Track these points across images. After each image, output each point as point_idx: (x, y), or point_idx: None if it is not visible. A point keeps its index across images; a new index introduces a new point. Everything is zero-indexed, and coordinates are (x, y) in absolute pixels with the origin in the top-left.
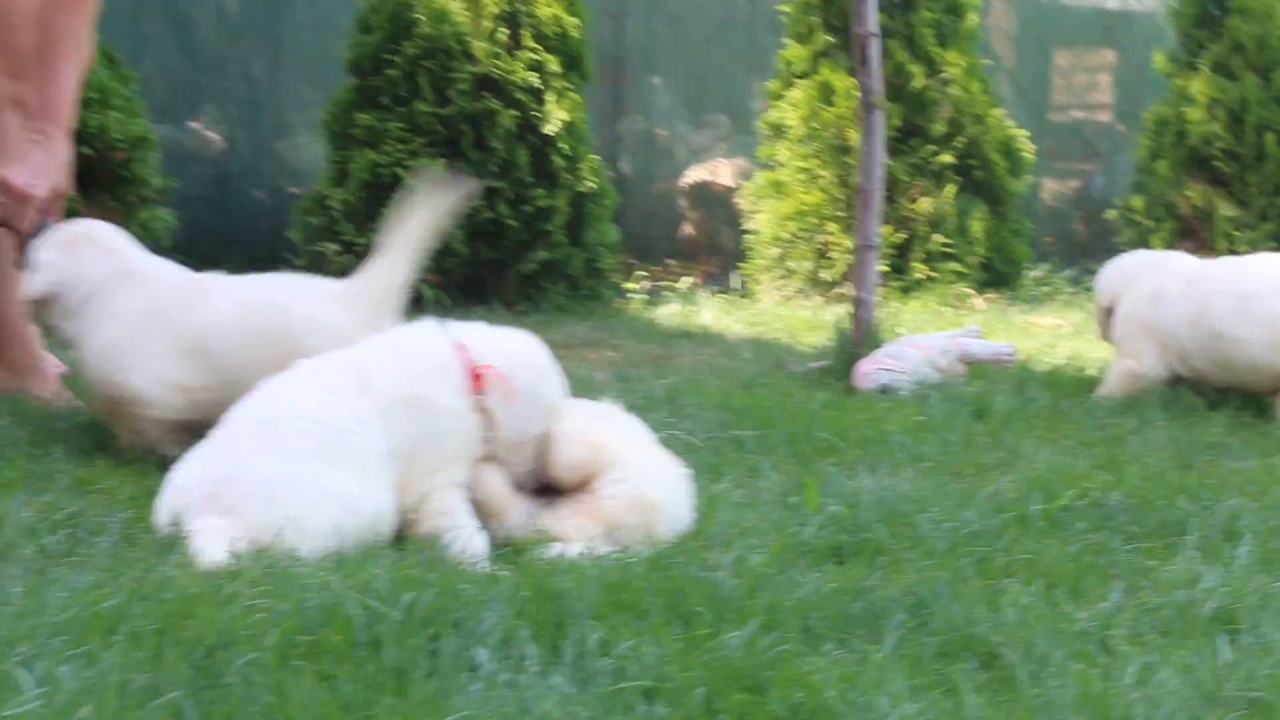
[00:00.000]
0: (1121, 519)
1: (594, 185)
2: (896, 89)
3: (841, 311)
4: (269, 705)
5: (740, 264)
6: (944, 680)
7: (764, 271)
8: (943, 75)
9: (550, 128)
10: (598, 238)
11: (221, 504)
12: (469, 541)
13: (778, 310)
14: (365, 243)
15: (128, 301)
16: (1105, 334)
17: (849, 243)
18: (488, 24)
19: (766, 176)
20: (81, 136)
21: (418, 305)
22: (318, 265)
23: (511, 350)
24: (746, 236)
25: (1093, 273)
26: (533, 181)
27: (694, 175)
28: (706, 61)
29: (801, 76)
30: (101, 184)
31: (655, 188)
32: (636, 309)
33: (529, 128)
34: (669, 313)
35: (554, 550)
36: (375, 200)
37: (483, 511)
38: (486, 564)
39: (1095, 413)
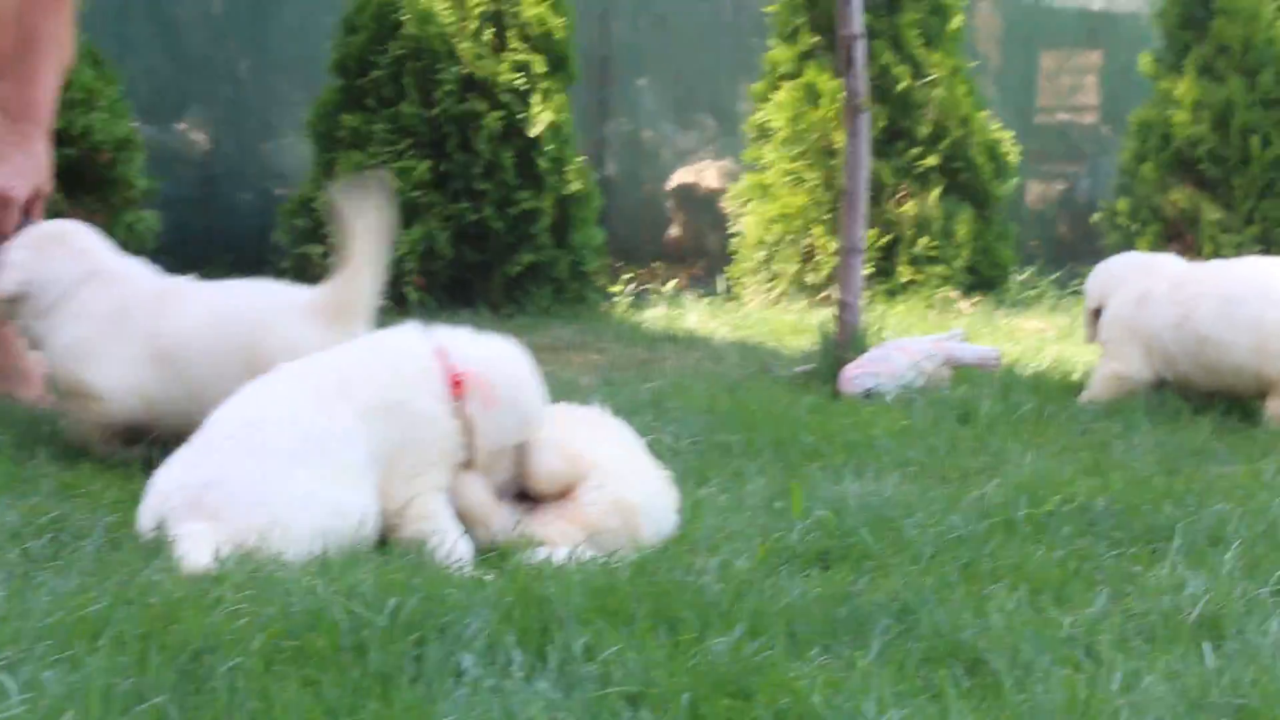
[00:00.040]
0: (1107, 524)
1: (579, 187)
2: (882, 91)
3: (827, 315)
4: (254, 710)
5: (726, 267)
6: (929, 686)
7: (749, 274)
8: (928, 77)
9: (536, 129)
10: (583, 240)
11: (206, 508)
12: (453, 546)
13: (763, 313)
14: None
15: (95, 301)
16: (1093, 337)
17: (834, 245)
18: (473, 25)
19: (752, 179)
20: (66, 138)
21: (402, 308)
22: (303, 268)
23: (492, 357)
24: (732, 239)
25: (1079, 276)
26: (518, 184)
27: (680, 177)
28: (692, 63)
29: (787, 78)
30: (86, 185)
31: (641, 190)
32: (622, 312)
33: (514, 129)
34: (654, 316)
35: (541, 553)
36: None
37: (466, 520)
38: (471, 569)
39: (1081, 417)
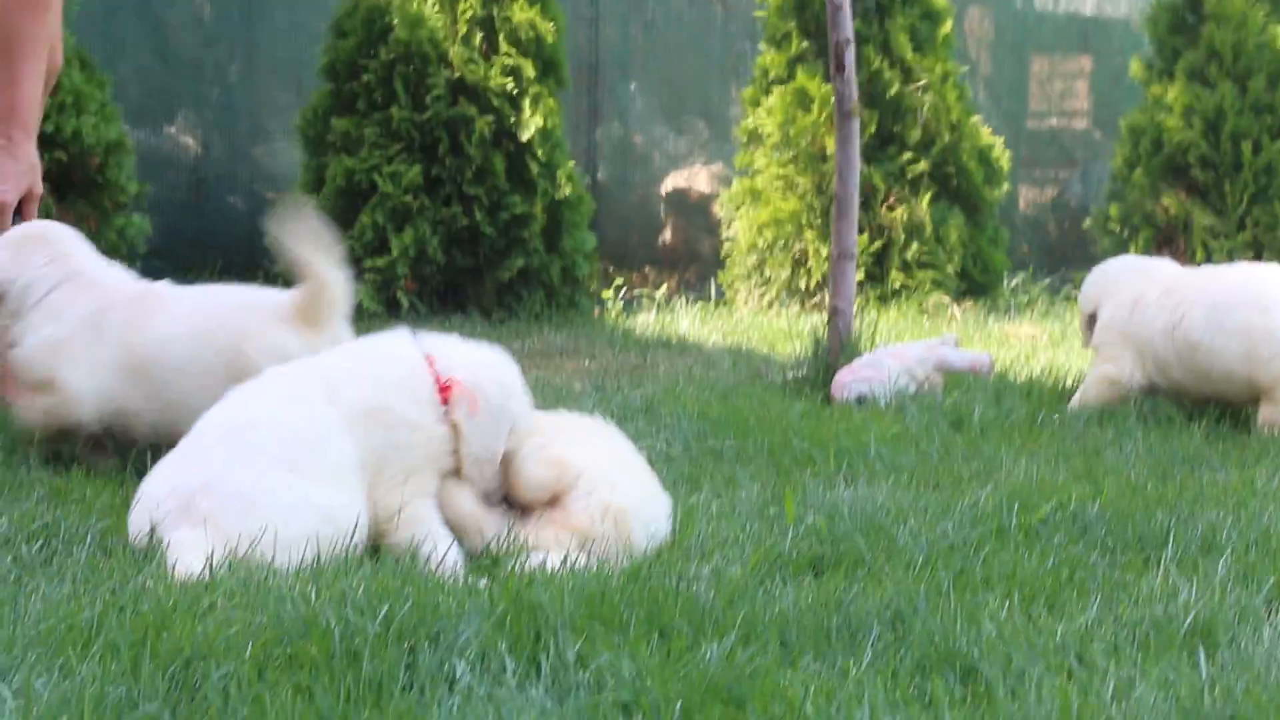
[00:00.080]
0: (1099, 531)
1: (570, 192)
2: (872, 96)
3: (819, 320)
4: (246, 718)
5: (718, 272)
6: (922, 694)
7: (741, 279)
8: (919, 82)
9: (526, 134)
10: (574, 245)
11: (197, 514)
12: (445, 552)
13: (755, 318)
14: (342, 249)
15: (71, 305)
16: (1089, 342)
17: (826, 251)
18: (463, 29)
19: (743, 184)
20: (56, 141)
21: (394, 312)
22: (294, 272)
23: (481, 365)
24: (724, 244)
25: (1070, 281)
26: (509, 188)
27: (671, 182)
28: (683, 67)
29: (778, 83)
30: (76, 189)
31: (632, 194)
32: (614, 317)
33: (505, 134)
34: (646, 321)
35: (535, 558)
36: (351, 206)
37: (458, 529)
38: (463, 575)
39: (1073, 424)
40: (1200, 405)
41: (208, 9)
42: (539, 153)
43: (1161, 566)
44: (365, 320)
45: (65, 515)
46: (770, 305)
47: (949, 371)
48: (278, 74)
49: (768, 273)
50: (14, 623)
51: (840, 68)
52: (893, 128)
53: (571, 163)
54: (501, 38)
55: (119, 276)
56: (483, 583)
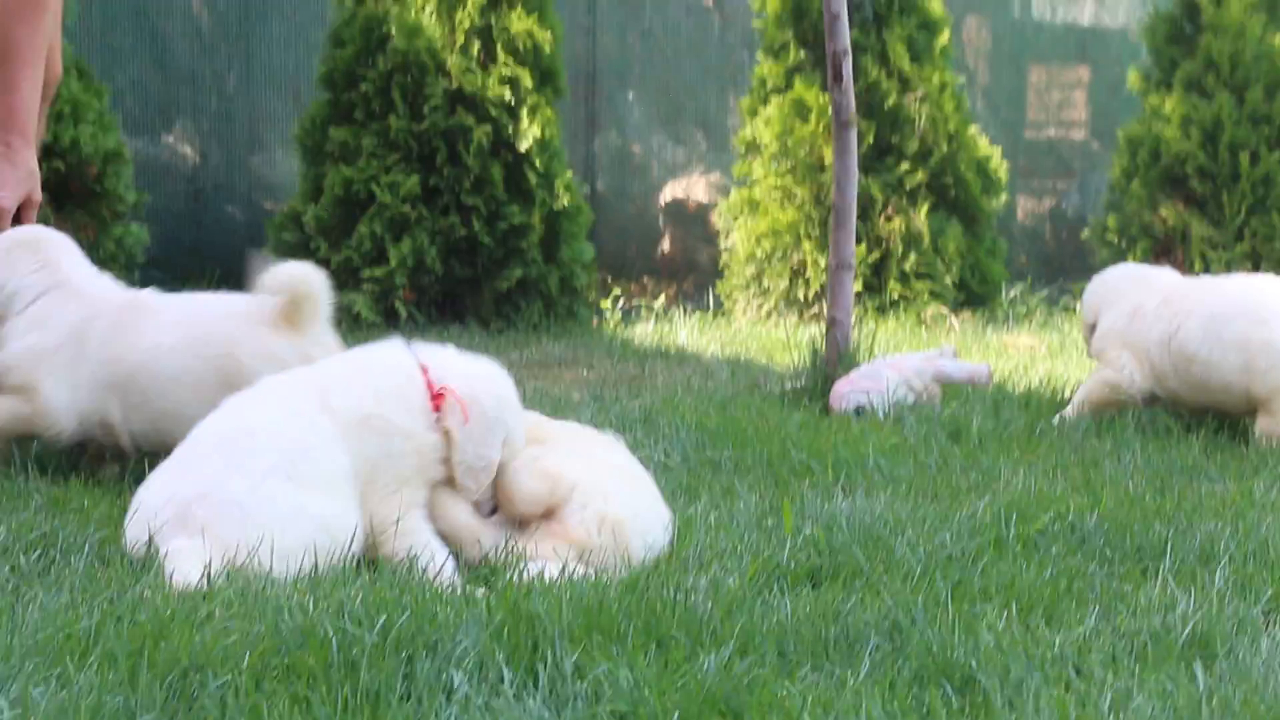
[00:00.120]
0: (1097, 542)
1: (568, 202)
2: (870, 106)
3: (817, 331)
4: None
5: (716, 282)
6: (920, 705)
7: (740, 289)
8: (916, 93)
9: (524, 144)
10: (573, 255)
11: (194, 523)
12: (442, 562)
13: (753, 329)
14: (340, 259)
15: (57, 314)
16: (1091, 351)
17: (824, 261)
18: (461, 39)
19: (741, 194)
20: (54, 151)
21: (392, 322)
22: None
23: (477, 376)
24: (722, 254)
25: (1068, 292)
26: (507, 198)
27: (670, 192)
28: (681, 77)
29: (775, 93)
30: (74, 199)
31: (630, 204)
32: (612, 328)
33: (503, 144)
34: (644, 331)
35: (533, 567)
36: (349, 216)
37: (456, 541)
38: (459, 585)
39: (1071, 435)
40: (1198, 416)
41: (205, 19)
42: (537, 163)
43: (1159, 577)
44: (363, 330)
45: (63, 525)
46: (768, 315)
47: (947, 382)
48: (275, 84)
49: (766, 283)
50: (12, 632)
51: (838, 78)
52: (890, 138)
53: (569, 173)
54: (499, 47)
55: (105, 285)
56: (480, 592)
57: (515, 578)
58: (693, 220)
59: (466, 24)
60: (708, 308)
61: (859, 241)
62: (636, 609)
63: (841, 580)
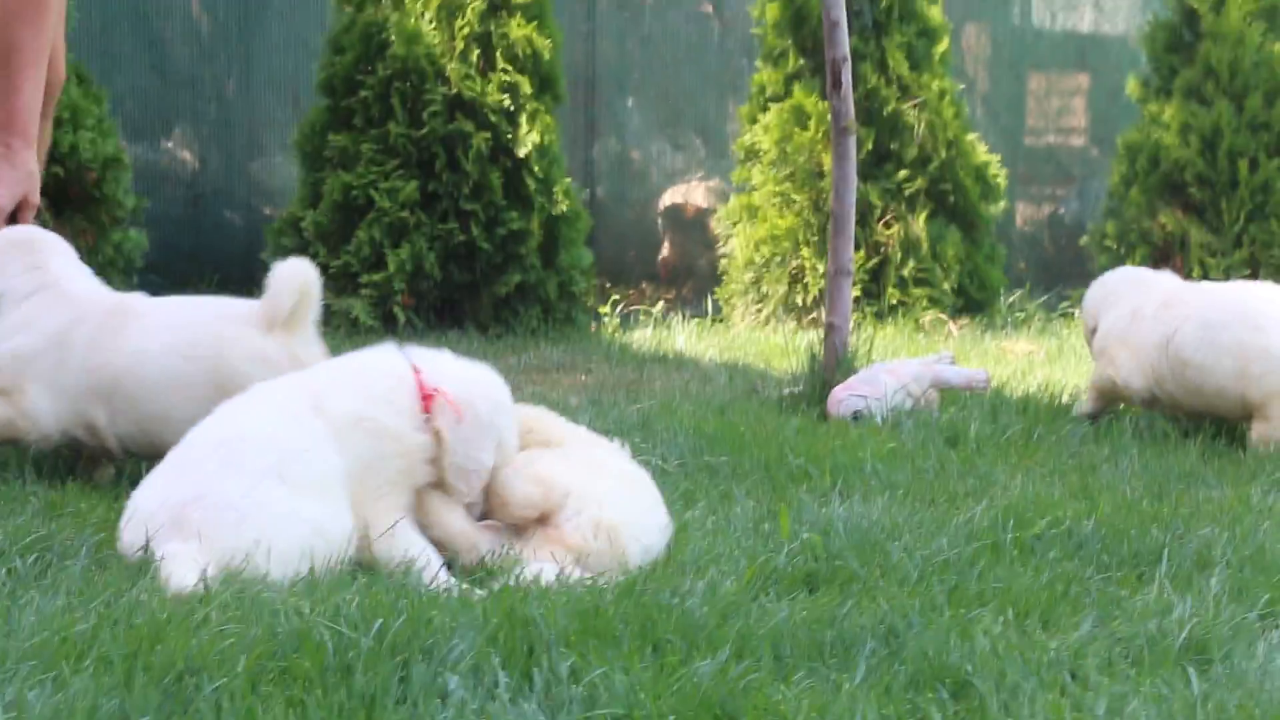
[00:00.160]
0: (1094, 548)
1: (567, 208)
2: (869, 113)
3: (815, 337)
4: None
5: (714, 288)
6: (915, 710)
7: (738, 295)
8: (916, 100)
9: (523, 150)
10: (571, 261)
11: (190, 526)
12: (428, 564)
13: (751, 334)
14: (339, 264)
15: (44, 317)
16: (1092, 354)
17: (823, 267)
18: (460, 45)
19: (740, 200)
20: (53, 156)
21: (391, 327)
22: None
23: (472, 380)
24: (721, 260)
25: (1067, 298)
26: (505, 204)
27: (669, 198)
28: (680, 83)
29: (774, 100)
30: (74, 204)
31: (629, 210)
32: (610, 333)
33: (502, 150)
34: (643, 337)
35: (531, 570)
36: (348, 222)
37: (449, 548)
38: (454, 588)
39: (1068, 440)
40: (1195, 420)
41: (205, 24)
42: (536, 168)
43: (1156, 582)
44: (362, 335)
45: (60, 528)
46: (767, 321)
47: (945, 388)
48: (275, 89)
49: (764, 289)
50: (7, 635)
51: (837, 85)
52: (889, 145)
53: (568, 179)
54: (499, 54)
55: (93, 288)
56: (476, 595)
57: (511, 581)
58: (691, 226)
59: (466, 31)
60: (706, 313)
61: (857, 248)
62: (632, 613)
63: (838, 585)
